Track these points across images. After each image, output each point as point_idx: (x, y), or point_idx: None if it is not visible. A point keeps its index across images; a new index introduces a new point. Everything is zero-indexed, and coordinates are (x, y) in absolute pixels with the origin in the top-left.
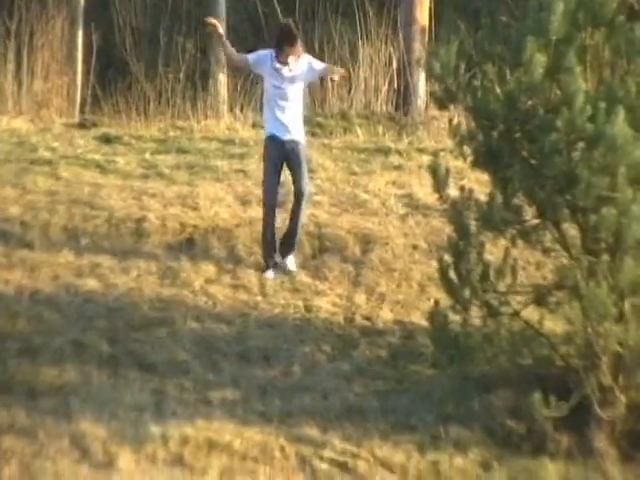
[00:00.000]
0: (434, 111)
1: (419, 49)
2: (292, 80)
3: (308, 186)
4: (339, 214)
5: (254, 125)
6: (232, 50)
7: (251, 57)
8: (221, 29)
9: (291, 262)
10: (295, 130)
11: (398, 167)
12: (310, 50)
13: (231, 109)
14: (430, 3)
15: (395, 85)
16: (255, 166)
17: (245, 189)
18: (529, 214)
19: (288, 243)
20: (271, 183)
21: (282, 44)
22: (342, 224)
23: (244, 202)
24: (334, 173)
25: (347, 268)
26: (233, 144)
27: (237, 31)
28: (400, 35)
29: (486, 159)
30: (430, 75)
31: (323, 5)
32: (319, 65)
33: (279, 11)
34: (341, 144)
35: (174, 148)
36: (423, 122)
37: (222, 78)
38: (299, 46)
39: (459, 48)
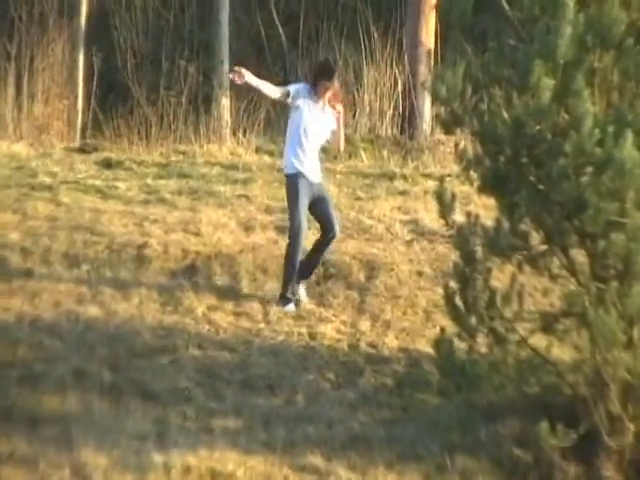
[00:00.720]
0: (440, 135)
1: (425, 72)
2: (325, 118)
3: (338, 223)
4: (344, 240)
5: (257, 150)
6: (268, 86)
7: (292, 88)
8: (248, 75)
9: (303, 293)
10: (319, 171)
11: (403, 192)
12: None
13: (234, 133)
14: (436, 25)
15: (400, 109)
16: (258, 191)
17: (248, 215)
18: (536, 240)
19: (305, 273)
20: (302, 220)
21: (320, 79)
22: (347, 250)
23: (247, 228)
24: (338, 198)
25: (352, 294)
26: (236, 169)
27: (239, 55)
28: (405, 58)
29: (493, 184)
30: (436, 98)
31: (327, 27)
32: (334, 125)
33: (282, 34)
34: (345, 169)
35: (176, 173)
36: (429, 146)
37: (225, 102)
38: (337, 83)
39: (465, 71)
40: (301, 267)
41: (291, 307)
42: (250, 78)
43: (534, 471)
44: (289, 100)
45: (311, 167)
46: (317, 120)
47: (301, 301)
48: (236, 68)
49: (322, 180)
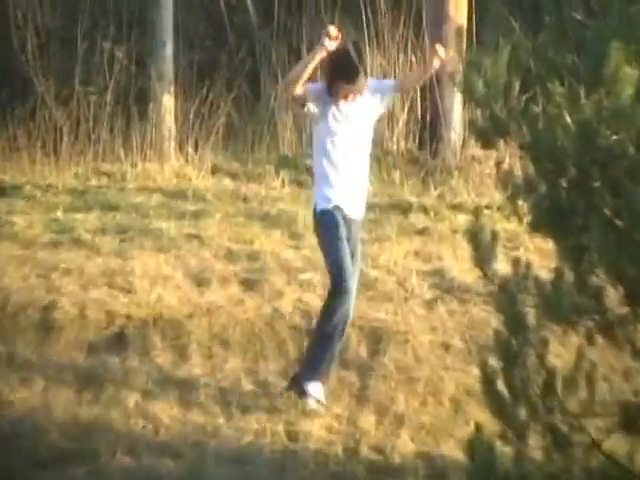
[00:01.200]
0: (475, 150)
1: (453, 59)
2: (358, 119)
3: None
4: None
5: (214, 170)
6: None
7: (314, 89)
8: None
9: (320, 389)
10: (362, 205)
11: (423, 231)
12: (295, 58)
13: (181, 147)
14: None
15: (419, 112)
16: (215, 230)
17: (201, 263)
18: (613, 299)
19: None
20: (347, 266)
21: (337, 79)
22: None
23: (200, 282)
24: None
25: (349, 376)
26: (184, 198)
27: (189, 34)
28: (426, 39)
29: (551, 219)
30: (469, 97)
31: None
32: (387, 83)
33: (250, 4)
34: None
35: (98, 203)
36: (459, 166)
37: (168, 101)
38: (363, 82)
39: (511, 58)
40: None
41: (320, 395)
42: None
43: None
44: (305, 97)
45: (351, 198)
46: (351, 126)
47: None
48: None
49: (361, 219)
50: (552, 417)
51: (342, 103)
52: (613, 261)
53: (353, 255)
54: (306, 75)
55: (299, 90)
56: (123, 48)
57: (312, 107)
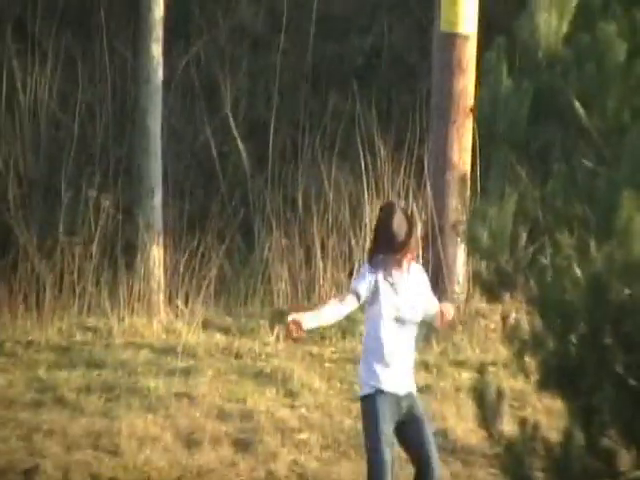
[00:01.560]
0: (480, 304)
1: (457, 208)
2: (410, 297)
3: (439, 464)
4: (335, 461)
5: (205, 325)
6: (329, 310)
7: (360, 283)
8: (305, 320)
9: None
10: (411, 378)
11: (424, 389)
12: (290, 207)
13: (170, 300)
14: (473, 139)
15: (420, 263)
16: (206, 388)
17: (191, 423)
18: (626, 462)
19: None
20: (385, 456)
21: (376, 252)
22: (340, 476)
23: (190, 443)
24: (327, 398)
25: None
26: (173, 354)
27: (179, 185)
28: (428, 187)
29: (560, 377)
30: (473, 249)
31: (310, 141)
32: (432, 305)
33: (243, 151)
34: (338, 354)
35: (82, 361)
36: (463, 320)
37: (157, 252)
38: (406, 250)
39: (518, 207)
40: None
41: None
42: (308, 322)
43: None
44: (362, 300)
45: (396, 375)
46: (403, 301)
47: None
48: (290, 318)
49: (414, 392)
50: None
51: (393, 276)
52: (626, 422)
53: (416, 420)
54: (326, 314)
55: (346, 311)
56: (109, 196)
57: (368, 296)
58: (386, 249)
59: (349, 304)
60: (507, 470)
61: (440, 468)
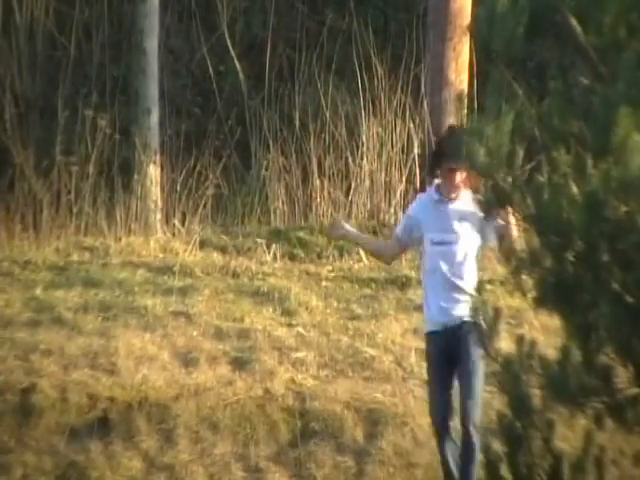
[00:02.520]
0: None
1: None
2: (464, 225)
3: (478, 416)
4: (332, 379)
5: (202, 245)
6: (379, 245)
7: (401, 225)
8: (347, 228)
9: None
10: (466, 308)
11: (421, 307)
12: (287, 126)
13: (167, 220)
14: (470, 57)
15: (417, 182)
16: (204, 307)
17: (188, 342)
18: (623, 379)
19: None
20: (438, 404)
21: (440, 160)
22: (336, 394)
23: (187, 362)
24: (324, 317)
25: (344, 461)
26: (170, 273)
27: (175, 101)
28: (425, 105)
29: (557, 295)
30: (470, 167)
31: (307, 60)
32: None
33: (240, 70)
34: (335, 273)
35: (80, 280)
36: None
37: (153, 172)
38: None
39: (515, 125)
40: None
41: None
42: (352, 233)
43: None
44: (404, 244)
45: (447, 308)
46: (453, 231)
47: None
48: (338, 227)
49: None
50: None
51: (444, 206)
52: (623, 339)
53: (467, 370)
54: (378, 249)
55: (395, 258)
56: (106, 116)
57: (410, 238)
58: (443, 155)
59: (390, 246)
60: (504, 388)
61: (477, 430)
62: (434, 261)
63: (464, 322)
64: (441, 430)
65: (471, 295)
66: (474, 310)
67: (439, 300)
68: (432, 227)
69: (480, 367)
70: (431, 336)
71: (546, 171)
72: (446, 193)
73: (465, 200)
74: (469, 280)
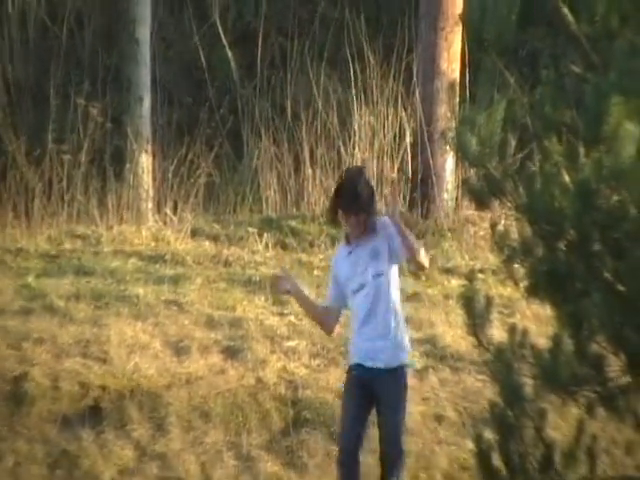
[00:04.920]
0: (469, 211)
1: (445, 116)
2: (376, 263)
3: (403, 445)
4: (324, 368)
5: (194, 233)
6: (320, 314)
7: (329, 297)
8: (294, 284)
9: None
10: (389, 351)
11: (414, 297)
12: (279, 115)
13: (159, 208)
14: (462, 47)
15: (409, 172)
16: (195, 296)
17: (180, 331)
18: (615, 368)
19: None
20: (345, 442)
21: (335, 207)
22: (328, 383)
23: (179, 350)
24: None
25: (336, 450)
26: (162, 262)
27: (167, 89)
28: (417, 95)
29: (549, 284)
30: (462, 156)
31: (298, 48)
32: (396, 245)
33: (232, 58)
34: (326, 262)
35: (71, 268)
36: (452, 228)
37: (145, 160)
38: (366, 215)
39: (507, 114)
40: None
41: None
42: (296, 289)
43: None
44: (340, 308)
45: (368, 346)
46: (367, 273)
47: None
48: (279, 279)
49: (400, 367)
50: None
51: (352, 249)
52: (614, 328)
53: (386, 408)
54: (319, 314)
55: (334, 326)
56: (98, 105)
57: (342, 297)
58: (337, 203)
59: (329, 319)
60: (496, 377)
61: (402, 445)
62: (358, 306)
63: (386, 369)
64: (348, 462)
65: (397, 334)
66: (401, 351)
67: (364, 341)
68: (349, 277)
69: (403, 406)
70: (353, 371)
71: (538, 160)
72: (352, 238)
73: (373, 237)
74: (394, 318)
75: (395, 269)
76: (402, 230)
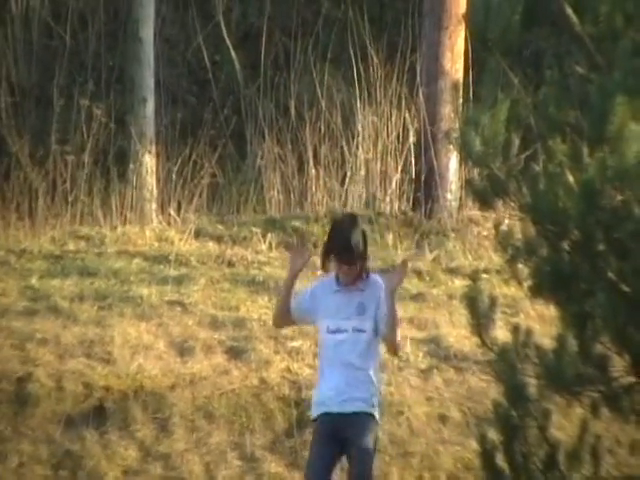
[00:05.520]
0: (472, 211)
1: (449, 116)
2: (361, 313)
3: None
4: None
5: (198, 234)
6: (284, 307)
7: (295, 303)
8: (297, 264)
9: None
10: (361, 396)
11: (417, 297)
12: (283, 115)
13: (163, 209)
14: (466, 46)
15: (412, 172)
16: (199, 296)
17: (184, 331)
18: (619, 368)
19: None
20: (314, 473)
21: (329, 253)
22: None
23: (183, 351)
24: None
25: None
26: (166, 262)
27: (171, 90)
28: (420, 95)
29: (553, 284)
30: (466, 156)
31: (302, 48)
32: (382, 314)
33: (236, 59)
34: None
35: (75, 269)
36: (455, 228)
37: (149, 161)
38: (359, 264)
39: (511, 114)
40: None
41: None
42: (296, 272)
43: None
44: (294, 319)
45: (339, 397)
46: (349, 319)
47: None
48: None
49: (370, 413)
50: None
51: (343, 291)
52: (619, 328)
53: (357, 452)
54: (285, 307)
55: (282, 326)
56: (102, 105)
57: (302, 319)
58: (332, 252)
59: (285, 316)
60: (500, 377)
61: None
62: (329, 349)
63: (355, 412)
64: None
65: (368, 384)
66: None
67: (331, 388)
68: (329, 314)
69: (371, 451)
70: (320, 419)
71: (542, 160)
72: (343, 282)
73: (364, 288)
74: (366, 369)
75: (376, 341)
76: (393, 309)
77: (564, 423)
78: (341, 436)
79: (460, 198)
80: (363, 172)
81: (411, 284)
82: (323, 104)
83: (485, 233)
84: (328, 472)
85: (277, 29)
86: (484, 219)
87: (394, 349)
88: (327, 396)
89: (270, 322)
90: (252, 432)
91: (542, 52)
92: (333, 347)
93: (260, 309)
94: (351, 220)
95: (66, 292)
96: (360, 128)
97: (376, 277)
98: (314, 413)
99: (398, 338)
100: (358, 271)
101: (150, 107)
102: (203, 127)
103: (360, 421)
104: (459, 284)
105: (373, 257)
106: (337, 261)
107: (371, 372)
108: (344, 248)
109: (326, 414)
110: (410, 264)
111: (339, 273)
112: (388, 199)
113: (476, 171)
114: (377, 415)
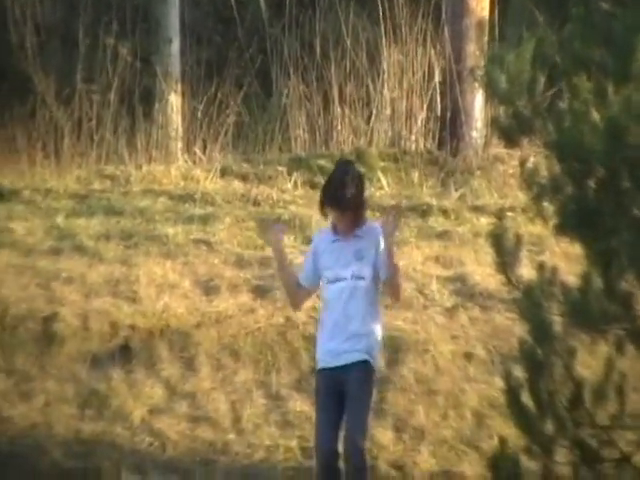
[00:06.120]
0: (498, 149)
1: (474, 54)
2: (359, 262)
3: (363, 442)
4: None
5: (224, 172)
6: (293, 285)
7: (303, 276)
8: (281, 240)
9: None
10: (359, 348)
11: (443, 235)
12: (308, 54)
13: (188, 148)
14: None
15: (438, 110)
16: (225, 235)
17: (210, 270)
18: None
19: None
20: (321, 439)
21: (325, 203)
22: None
23: (208, 290)
24: None
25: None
26: (191, 201)
27: (197, 30)
28: (446, 33)
29: (578, 222)
30: (491, 94)
31: None
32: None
33: None
34: None
35: (101, 208)
36: (481, 166)
37: (174, 100)
38: (351, 213)
39: (536, 52)
40: None
41: None
42: (280, 246)
43: None
44: (311, 288)
45: (338, 349)
46: (347, 268)
47: None
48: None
49: (368, 363)
50: (580, 431)
51: (341, 242)
52: None
53: (353, 399)
54: (292, 284)
55: (302, 303)
56: (127, 44)
57: (317, 279)
58: (326, 200)
59: (300, 294)
60: (525, 315)
61: (363, 442)
62: (329, 300)
63: (354, 363)
64: (326, 463)
65: (367, 334)
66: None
67: (330, 341)
68: (327, 264)
69: (367, 402)
70: (321, 373)
71: (567, 97)
72: (340, 231)
73: (363, 236)
74: (366, 319)
75: (375, 289)
76: (391, 253)
77: (589, 361)
78: (339, 389)
79: (485, 136)
80: (388, 111)
81: (437, 222)
82: (348, 42)
83: (510, 171)
84: (335, 427)
85: None
86: (509, 157)
87: (396, 296)
88: (326, 349)
89: (296, 260)
90: (277, 371)
91: None
92: (332, 298)
93: (286, 248)
94: (344, 168)
95: (92, 231)
96: (385, 66)
97: (374, 224)
98: (316, 366)
99: (399, 284)
100: (354, 218)
101: (175, 46)
102: (228, 66)
103: (356, 373)
104: (484, 222)
105: (398, 195)
106: (331, 209)
107: (370, 321)
108: (334, 197)
109: (324, 369)
110: (402, 207)
111: (335, 221)
112: (413, 137)
113: (502, 109)
114: (375, 365)
